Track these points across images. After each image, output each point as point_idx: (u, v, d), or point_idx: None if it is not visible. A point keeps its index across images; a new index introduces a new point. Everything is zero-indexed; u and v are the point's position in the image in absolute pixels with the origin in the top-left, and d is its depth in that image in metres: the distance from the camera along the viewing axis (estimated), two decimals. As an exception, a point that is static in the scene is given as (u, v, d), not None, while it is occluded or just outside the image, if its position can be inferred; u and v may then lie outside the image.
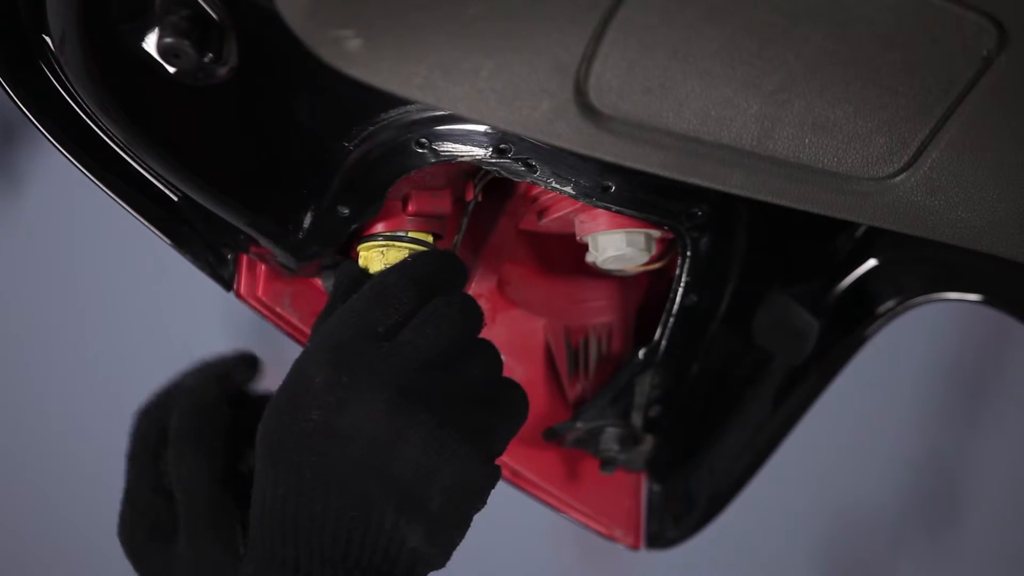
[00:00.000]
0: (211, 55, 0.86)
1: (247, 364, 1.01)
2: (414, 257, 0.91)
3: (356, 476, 0.82)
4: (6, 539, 2.02)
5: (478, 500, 0.86)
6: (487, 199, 0.97)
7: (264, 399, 1.00)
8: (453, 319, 0.85)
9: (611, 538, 1.12)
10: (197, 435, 0.98)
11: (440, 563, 0.86)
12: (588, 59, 0.74)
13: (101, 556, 2.01)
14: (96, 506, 2.01)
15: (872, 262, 1.08)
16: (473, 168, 0.94)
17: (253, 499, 0.85)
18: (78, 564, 2.02)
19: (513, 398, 0.88)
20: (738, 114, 0.78)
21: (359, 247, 0.95)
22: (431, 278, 0.87)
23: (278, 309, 1.01)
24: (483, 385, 0.86)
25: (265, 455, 0.84)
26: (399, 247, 0.94)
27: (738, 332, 1.06)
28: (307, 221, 0.93)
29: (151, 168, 0.93)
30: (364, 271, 0.94)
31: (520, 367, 1.06)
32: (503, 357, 0.90)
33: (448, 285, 0.88)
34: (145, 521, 0.99)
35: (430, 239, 0.95)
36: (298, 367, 0.85)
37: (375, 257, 0.94)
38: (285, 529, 0.83)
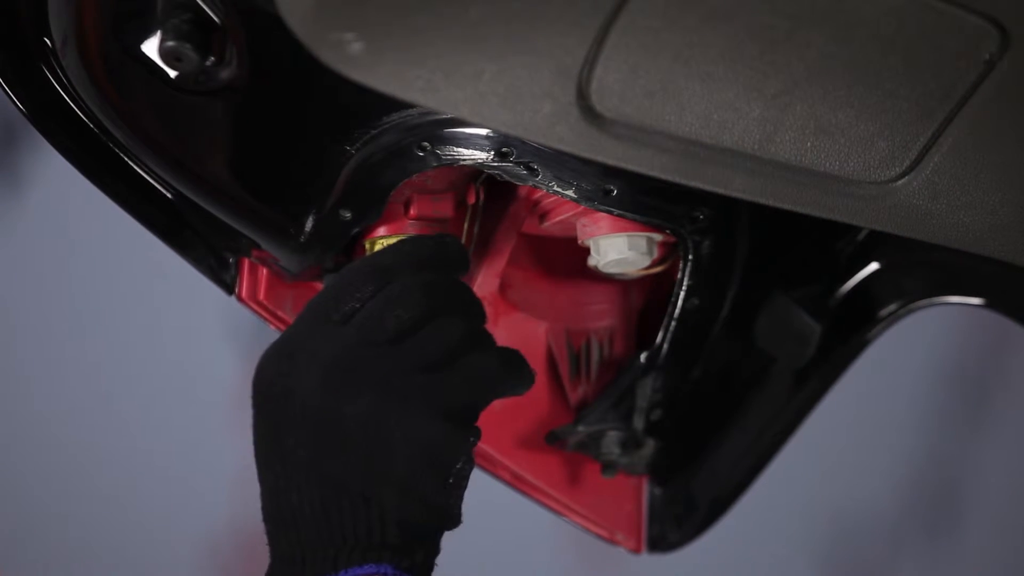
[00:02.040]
0: (213, 59, 0.86)
1: None
2: (382, 249, 0.90)
3: (316, 459, 0.83)
4: (6, 539, 2.02)
5: (445, 457, 0.85)
6: (489, 203, 0.97)
7: None
8: (402, 296, 0.85)
9: (612, 542, 1.12)
10: None
11: (440, 519, 0.85)
12: (590, 63, 0.74)
13: (101, 556, 2.01)
14: (96, 506, 2.01)
15: (874, 266, 1.08)
16: (475, 172, 0.94)
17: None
18: (78, 564, 2.02)
19: (481, 361, 0.87)
20: (740, 118, 0.78)
21: (367, 242, 0.95)
22: (396, 264, 0.87)
23: (280, 313, 1.01)
24: (435, 353, 0.85)
25: (256, 451, 0.85)
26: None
27: (740, 336, 1.06)
28: (309, 225, 0.93)
29: (152, 171, 0.93)
30: None
31: (522, 370, 1.06)
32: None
33: (418, 268, 0.87)
34: None
35: None
36: (257, 366, 0.86)
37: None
38: (277, 526, 0.84)
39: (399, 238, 0.94)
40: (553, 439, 1.06)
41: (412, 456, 0.84)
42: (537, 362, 1.06)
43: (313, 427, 0.83)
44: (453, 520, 0.86)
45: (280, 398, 0.83)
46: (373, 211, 0.92)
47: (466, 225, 0.97)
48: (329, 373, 0.83)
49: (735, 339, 1.05)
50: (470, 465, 0.87)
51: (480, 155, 0.90)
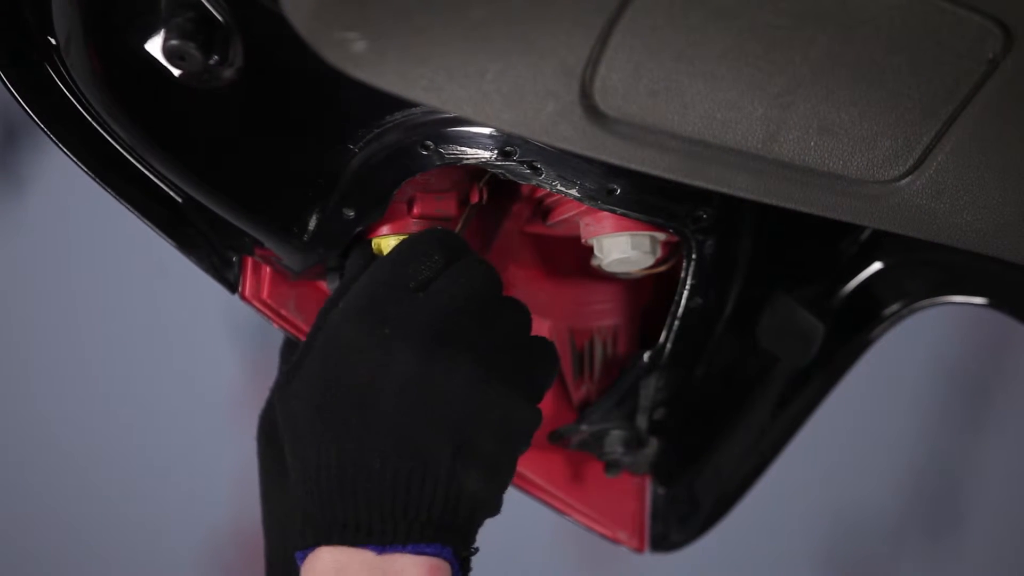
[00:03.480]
0: (216, 57, 0.86)
1: None
2: (439, 228, 0.91)
3: (408, 426, 0.83)
4: (6, 539, 2.02)
5: (524, 441, 0.87)
6: (492, 202, 0.97)
7: None
8: (483, 272, 0.87)
9: (615, 541, 1.12)
10: None
11: (495, 509, 0.86)
12: (593, 62, 0.74)
13: (102, 555, 2.01)
14: (97, 506, 2.01)
15: (877, 265, 1.08)
16: (478, 171, 0.94)
17: (296, 465, 0.85)
18: (79, 564, 2.02)
19: (545, 347, 0.90)
20: (744, 117, 0.78)
21: (373, 238, 0.95)
22: (457, 242, 0.89)
23: (283, 311, 1.01)
24: (516, 333, 0.88)
25: (313, 417, 0.84)
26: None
27: (743, 335, 1.06)
28: (312, 223, 0.93)
29: (156, 170, 0.93)
30: (376, 255, 0.94)
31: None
32: None
33: (461, 245, 0.89)
34: None
35: None
36: (329, 327, 0.86)
37: (394, 244, 0.94)
38: (343, 488, 0.83)
39: (401, 237, 0.94)
40: (556, 438, 1.06)
41: (503, 438, 0.85)
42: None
43: (415, 392, 0.83)
44: (497, 507, 0.87)
45: (376, 360, 0.83)
46: (376, 210, 0.92)
47: (460, 224, 0.97)
48: (426, 342, 0.83)
49: (738, 338, 1.05)
50: (526, 448, 0.88)
51: (483, 154, 0.90)
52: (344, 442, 0.83)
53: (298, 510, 0.85)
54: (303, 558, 0.84)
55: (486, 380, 0.84)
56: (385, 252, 0.94)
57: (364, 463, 0.82)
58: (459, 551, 0.84)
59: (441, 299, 0.85)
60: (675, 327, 1.00)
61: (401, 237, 0.94)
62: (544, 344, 0.90)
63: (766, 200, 0.82)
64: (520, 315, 0.89)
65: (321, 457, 0.84)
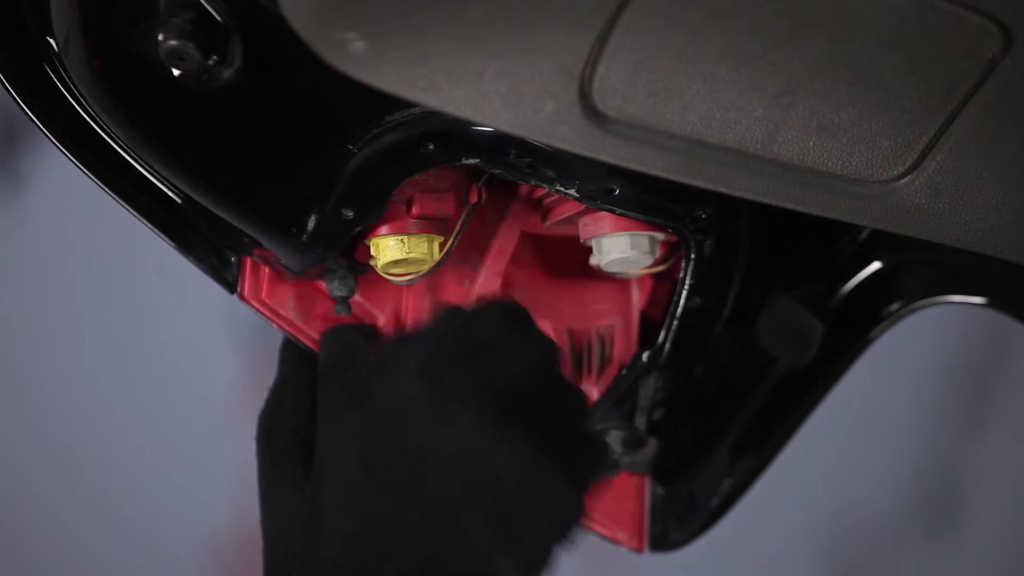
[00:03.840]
0: (215, 58, 0.86)
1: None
2: (496, 299, 0.92)
3: (456, 499, 0.83)
4: (6, 539, 2.02)
5: (567, 535, 0.86)
6: (491, 202, 0.97)
7: None
8: (550, 352, 0.87)
9: (615, 541, 1.12)
10: (351, 374, 0.99)
11: None
12: (592, 62, 0.74)
13: (103, 555, 2.01)
14: (97, 505, 2.01)
15: (876, 265, 1.08)
16: (477, 171, 0.94)
17: (335, 507, 0.85)
18: (79, 563, 2.02)
19: (596, 438, 0.89)
20: (742, 117, 0.78)
21: (369, 241, 0.95)
22: (525, 315, 0.89)
23: (282, 311, 1.01)
24: (573, 420, 0.87)
25: (361, 470, 0.84)
26: (418, 236, 0.94)
27: (742, 335, 1.06)
28: (311, 224, 0.93)
29: (155, 171, 0.93)
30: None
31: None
32: None
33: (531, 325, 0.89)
34: (287, 425, 0.99)
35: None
36: (390, 381, 0.85)
37: (393, 245, 0.94)
38: (382, 544, 0.83)
39: (400, 238, 0.94)
40: (555, 438, 1.06)
41: (546, 528, 0.84)
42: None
43: (466, 465, 0.83)
44: None
45: (433, 424, 0.83)
46: (375, 210, 0.92)
47: (459, 224, 0.97)
48: (490, 420, 0.83)
49: (737, 338, 1.05)
50: (568, 545, 0.88)
51: (482, 154, 0.90)
52: (389, 501, 0.83)
53: (329, 552, 0.85)
54: None
55: (540, 467, 0.84)
56: (382, 252, 0.94)
57: (406, 525, 0.82)
58: None
59: (501, 369, 0.85)
60: (674, 327, 1.00)
61: (400, 238, 0.94)
62: (595, 435, 0.90)
63: (765, 200, 0.82)
64: (578, 402, 0.88)
65: (363, 509, 0.84)
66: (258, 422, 1.02)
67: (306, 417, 1.01)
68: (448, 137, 0.89)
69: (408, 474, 0.83)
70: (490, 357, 0.86)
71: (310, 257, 0.95)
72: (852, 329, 1.10)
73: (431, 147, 0.90)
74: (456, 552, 0.82)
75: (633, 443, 1.05)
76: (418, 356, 0.86)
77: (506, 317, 0.88)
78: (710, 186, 0.81)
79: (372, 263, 0.96)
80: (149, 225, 0.96)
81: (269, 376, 1.04)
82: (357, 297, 1.01)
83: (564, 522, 0.85)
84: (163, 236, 0.96)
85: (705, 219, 0.95)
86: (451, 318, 0.88)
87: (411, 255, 0.94)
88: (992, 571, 2.19)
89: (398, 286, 0.99)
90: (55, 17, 0.89)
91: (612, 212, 0.93)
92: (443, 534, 0.82)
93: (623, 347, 1.06)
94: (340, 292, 0.99)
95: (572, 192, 0.91)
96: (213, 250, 0.98)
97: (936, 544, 2.19)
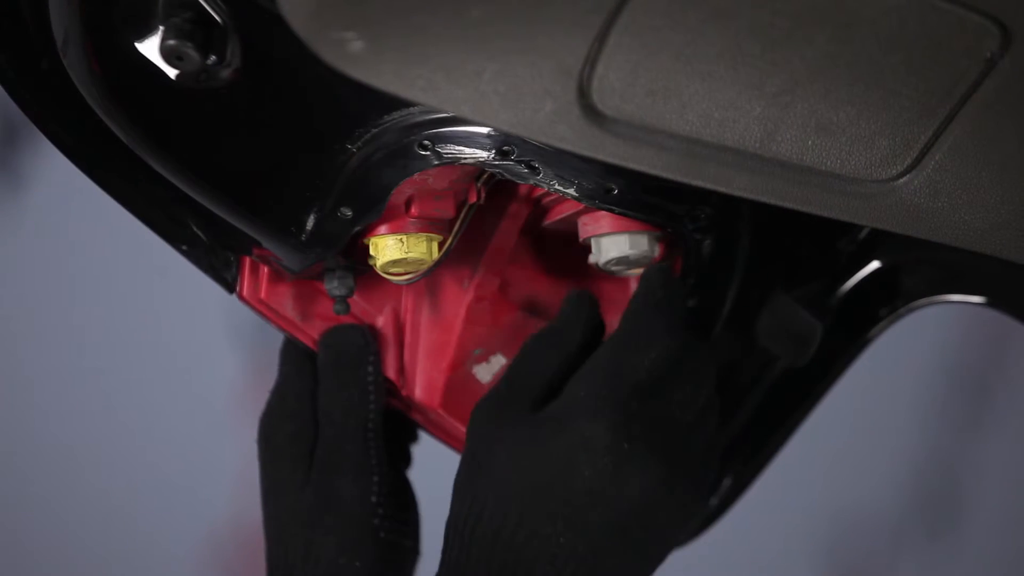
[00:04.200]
0: (214, 57, 0.86)
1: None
2: (664, 284, 0.91)
3: (609, 539, 0.84)
4: (5, 538, 2.02)
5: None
6: (489, 201, 0.97)
7: None
8: (707, 374, 0.88)
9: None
10: (351, 373, 1.00)
11: None
12: (591, 61, 0.74)
13: (102, 555, 2.01)
14: (97, 505, 2.01)
15: (875, 264, 1.08)
16: (476, 170, 0.94)
17: (473, 522, 0.85)
18: (79, 563, 2.02)
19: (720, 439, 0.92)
20: (741, 116, 0.78)
21: (368, 240, 0.95)
22: (674, 306, 0.90)
23: (281, 311, 1.01)
24: (713, 435, 0.89)
25: (515, 498, 0.84)
26: (417, 235, 0.94)
27: (741, 335, 1.06)
28: (310, 223, 0.93)
29: (154, 170, 0.93)
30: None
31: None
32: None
33: (681, 306, 0.90)
34: (288, 426, 1.00)
35: None
36: (569, 418, 0.86)
37: (392, 244, 0.94)
38: (519, 564, 0.83)
39: (399, 237, 0.94)
40: (555, 437, 1.06)
41: (671, 547, 0.87)
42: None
43: (628, 514, 0.84)
44: None
45: (606, 470, 0.84)
46: (374, 210, 0.92)
47: (459, 224, 0.96)
48: (667, 472, 0.85)
49: (736, 338, 1.05)
50: None
51: (481, 154, 0.90)
52: (538, 527, 0.84)
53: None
54: None
55: (694, 513, 0.87)
56: (381, 252, 0.94)
57: (549, 552, 0.83)
58: None
59: (675, 415, 0.86)
60: (673, 327, 1.00)
61: (399, 237, 0.94)
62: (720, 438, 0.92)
63: (764, 199, 0.82)
64: (716, 415, 0.89)
65: (504, 523, 0.84)
66: (259, 424, 1.02)
67: (307, 418, 1.01)
68: (447, 137, 0.89)
69: (568, 510, 0.84)
70: (658, 388, 0.87)
71: (309, 257, 0.95)
72: (851, 329, 1.10)
73: (430, 147, 0.90)
74: None
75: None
76: (599, 392, 0.86)
77: (664, 321, 0.88)
78: (709, 185, 0.81)
79: (371, 263, 0.96)
80: (147, 224, 0.96)
81: (269, 376, 1.04)
82: (356, 297, 1.01)
83: (686, 529, 0.89)
84: (161, 236, 0.96)
85: (704, 218, 0.95)
86: (624, 344, 0.88)
87: (410, 255, 0.94)
88: (992, 571, 2.19)
89: (397, 286, 0.99)
90: (54, 16, 0.89)
91: (611, 212, 0.93)
92: (583, 566, 0.83)
93: (622, 347, 1.06)
94: (339, 292, 0.99)
95: (571, 192, 0.91)
96: (212, 250, 0.98)
97: (936, 544, 2.19)
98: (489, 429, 0.88)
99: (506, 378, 0.91)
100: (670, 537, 0.87)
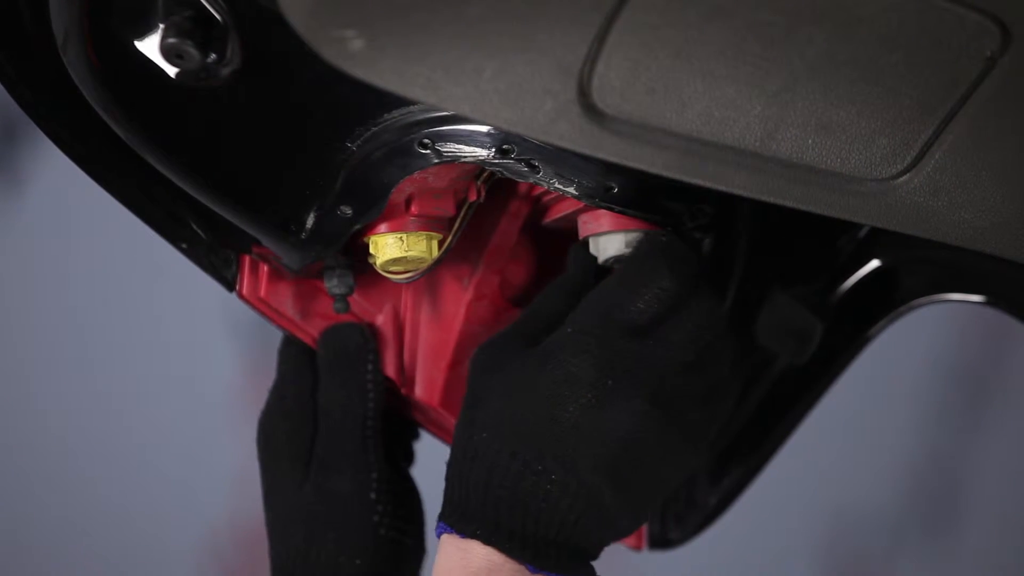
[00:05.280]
0: (214, 56, 0.86)
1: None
2: (669, 238, 0.91)
3: (598, 476, 0.84)
4: (4, 539, 2.02)
5: (683, 479, 0.89)
6: (489, 200, 0.97)
7: None
8: (712, 315, 0.88)
9: (613, 539, 1.12)
10: (350, 372, 1.00)
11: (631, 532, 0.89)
12: (591, 60, 0.74)
13: (101, 554, 2.01)
14: (95, 504, 2.01)
15: (875, 263, 1.08)
16: (476, 169, 0.94)
17: (469, 454, 0.86)
18: (77, 562, 2.02)
19: (733, 379, 0.91)
20: (741, 115, 0.78)
21: (368, 239, 0.95)
22: (689, 263, 0.89)
23: (280, 309, 1.01)
24: (719, 382, 0.89)
25: (505, 426, 0.85)
26: (417, 234, 0.94)
27: (740, 333, 1.06)
28: (310, 221, 0.93)
29: (153, 168, 0.93)
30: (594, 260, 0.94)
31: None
32: None
33: (694, 271, 0.89)
34: (287, 424, 1.00)
35: None
36: (555, 352, 0.86)
37: (392, 243, 0.94)
38: (515, 503, 0.84)
39: (399, 236, 0.94)
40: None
41: (666, 488, 0.88)
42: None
43: (615, 449, 0.84)
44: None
45: (590, 405, 0.85)
46: (374, 208, 0.92)
47: (458, 223, 0.96)
48: (650, 407, 0.85)
49: (736, 336, 1.05)
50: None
51: (481, 152, 0.90)
52: (530, 465, 0.84)
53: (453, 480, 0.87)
54: (443, 531, 0.87)
55: (683, 455, 0.87)
56: (381, 250, 0.94)
57: (543, 489, 0.84)
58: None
59: (663, 354, 0.86)
60: (672, 325, 1.00)
61: (399, 236, 0.94)
62: (733, 382, 0.91)
63: (764, 198, 0.82)
64: (727, 360, 0.89)
65: (498, 465, 0.85)
66: (259, 423, 1.02)
67: (306, 417, 1.01)
68: (447, 135, 0.89)
69: (557, 447, 0.84)
70: (654, 325, 0.87)
71: (309, 255, 0.95)
72: (851, 327, 1.10)
73: (430, 145, 0.90)
74: (589, 521, 0.84)
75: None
76: (587, 329, 0.86)
77: (668, 274, 0.87)
78: (709, 184, 0.81)
79: (371, 261, 0.96)
80: (147, 223, 0.96)
81: (269, 374, 1.04)
82: (356, 295, 1.01)
83: (685, 479, 0.89)
84: (161, 234, 0.96)
85: (704, 217, 0.95)
86: (614, 285, 0.88)
87: (410, 253, 0.94)
88: (990, 570, 2.19)
89: (397, 284, 0.99)
90: (54, 15, 0.89)
91: (611, 210, 0.93)
92: (578, 504, 0.84)
93: (622, 345, 1.06)
94: (339, 290, 0.99)
95: (571, 190, 0.91)
96: (212, 248, 0.98)
97: (934, 543, 2.19)
98: (487, 364, 0.89)
99: (513, 323, 0.92)
100: (664, 481, 0.87)
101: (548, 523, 0.84)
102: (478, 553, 0.85)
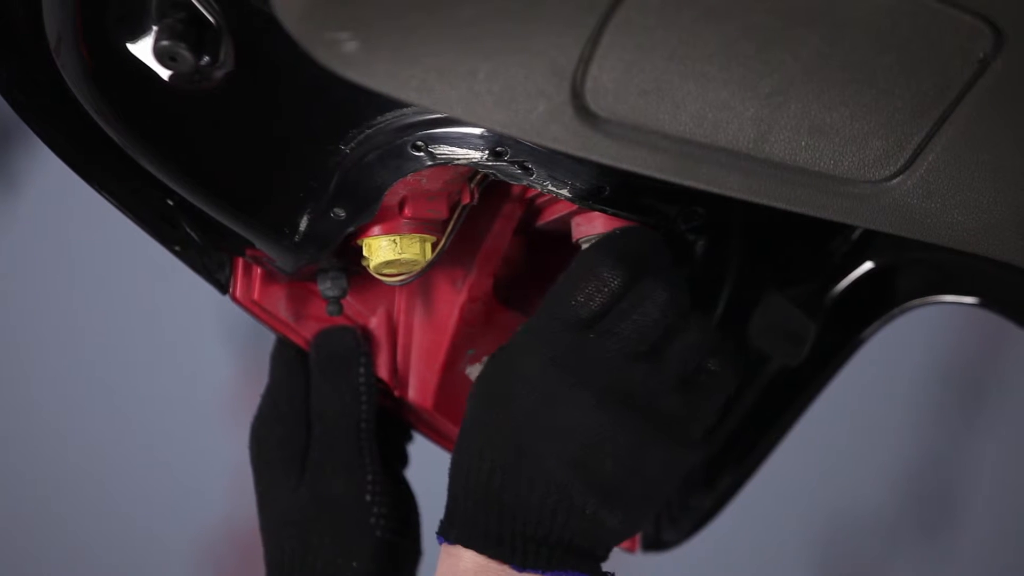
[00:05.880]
0: (207, 58, 0.86)
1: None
2: (622, 232, 0.91)
3: (562, 470, 0.84)
4: (4, 538, 2.02)
5: (676, 482, 0.88)
6: (483, 202, 0.97)
7: None
8: (658, 302, 0.87)
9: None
10: (342, 375, 1.00)
11: (632, 535, 0.89)
12: (585, 62, 0.74)
13: (98, 554, 2.01)
14: (92, 505, 2.01)
15: (868, 264, 1.08)
16: (469, 171, 0.94)
17: (453, 462, 0.87)
18: (75, 562, 2.02)
19: (719, 371, 0.89)
20: (735, 117, 0.78)
21: (361, 241, 0.95)
22: (639, 255, 0.89)
23: (273, 312, 1.01)
24: (686, 368, 0.87)
25: (473, 429, 0.86)
26: (411, 236, 0.94)
27: (734, 335, 1.06)
28: (303, 224, 0.93)
29: (147, 171, 0.93)
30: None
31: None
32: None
33: (655, 262, 0.89)
34: (280, 428, 1.01)
35: None
36: (509, 352, 0.87)
37: (385, 245, 0.94)
38: (490, 503, 0.85)
39: (392, 238, 0.94)
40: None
41: (653, 484, 0.86)
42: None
43: (575, 444, 0.84)
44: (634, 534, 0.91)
45: (544, 402, 0.85)
46: (367, 211, 0.92)
47: (452, 225, 0.96)
48: (602, 397, 0.84)
49: (729, 338, 1.05)
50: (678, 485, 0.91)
51: (474, 154, 0.90)
52: (497, 463, 0.85)
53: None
54: (440, 541, 0.87)
55: (646, 442, 0.85)
56: (375, 253, 0.94)
57: (513, 487, 0.84)
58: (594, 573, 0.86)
59: (611, 344, 0.85)
60: (666, 327, 0.99)
61: (392, 238, 0.94)
62: (720, 366, 0.89)
63: (757, 200, 0.82)
64: (692, 344, 0.87)
65: (472, 467, 0.86)
66: (251, 428, 1.02)
67: (299, 420, 1.01)
68: (440, 137, 0.89)
69: (518, 443, 0.85)
70: (599, 318, 0.86)
71: (302, 257, 0.95)
72: (845, 328, 1.10)
73: (423, 147, 0.90)
74: (563, 514, 0.84)
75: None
76: (537, 329, 0.87)
77: (616, 266, 0.87)
78: (702, 186, 0.81)
79: (364, 264, 0.96)
80: (141, 225, 0.96)
81: (262, 377, 1.04)
82: (349, 298, 1.01)
83: (671, 476, 0.87)
84: (155, 237, 0.96)
85: (697, 219, 0.95)
86: (567, 279, 0.88)
87: (403, 256, 0.94)
88: (986, 571, 2.19)
89: (390, 287, 0.99)
90: (47, 17, 0.89)
91: (604, 212, 0.93)
92: (549, 498, 0.84)
93: (616, 347, 1.06)
94: (332, 292, 0.99)
95: (564, 192, 0.91)
96: (205, 251, 0.98)
97: (931, 543, 2.19)
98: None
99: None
100: (652, 477, 0.86)
101: (525, 520, 0.84)
102: (466, 557, 0.85)
